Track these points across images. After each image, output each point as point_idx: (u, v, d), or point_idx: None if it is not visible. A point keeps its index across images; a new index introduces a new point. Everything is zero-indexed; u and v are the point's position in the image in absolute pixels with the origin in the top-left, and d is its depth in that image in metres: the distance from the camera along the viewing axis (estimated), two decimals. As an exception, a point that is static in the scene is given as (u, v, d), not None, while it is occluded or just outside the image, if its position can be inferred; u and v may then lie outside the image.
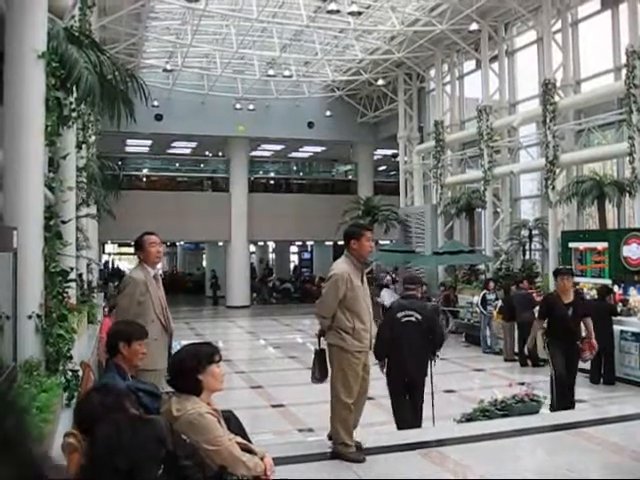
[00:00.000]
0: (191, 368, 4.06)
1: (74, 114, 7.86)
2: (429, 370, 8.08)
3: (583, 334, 9.42)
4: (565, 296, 9.40)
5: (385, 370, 8.02)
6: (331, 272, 6.46)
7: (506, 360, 16.22)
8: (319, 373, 6.73)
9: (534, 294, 17.05)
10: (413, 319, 7.95)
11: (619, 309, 13.98)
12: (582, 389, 12.97)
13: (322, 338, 6.67)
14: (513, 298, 16.35)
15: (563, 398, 9.11)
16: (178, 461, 3.49)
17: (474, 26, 21.59)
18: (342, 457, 6.29)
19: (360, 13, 21.38)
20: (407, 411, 8.06)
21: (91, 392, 3.87)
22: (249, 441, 4.40)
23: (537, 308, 15.97)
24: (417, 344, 7.85)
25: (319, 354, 6.72)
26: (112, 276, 35.78)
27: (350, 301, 6.33)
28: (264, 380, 14.34)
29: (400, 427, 8.02)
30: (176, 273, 50.15)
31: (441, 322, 8.70)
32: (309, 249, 46.42)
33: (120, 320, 5.73)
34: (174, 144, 37.47)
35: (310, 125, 32.16)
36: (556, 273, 9.91)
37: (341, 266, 6.46)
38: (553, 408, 9.02)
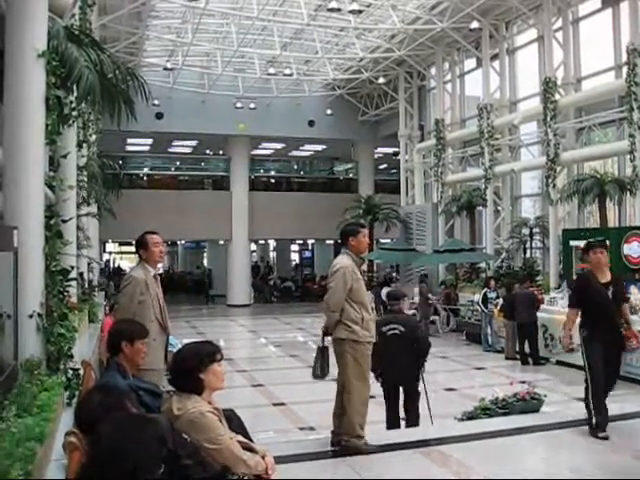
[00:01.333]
0: (193, 367, 4.06)
1: (74, 113, 7.85)
2: (419, 375, 8.58)
3: None
4: (601, 274, 7.51)
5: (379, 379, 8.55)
6: (336, 266, 6.56)
7: (507, 358, 16.19)
8: (320, 370, 6.77)
9: (536, 292, 17.03)
10: (397, 332, 8.54)
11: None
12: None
13: (326, 336, 6.71)
14: (515, 297, 16.27)
15: (600, 408, 7.46)
16: (179, 460, 3.49)
17: (475, 24, 21.56)
18: (355, 450, 6.35)
19: (361, 11, 21.37)
20: (394, 413, 8.66)
21: (91, 392, 3.87)
22: (250, 440, 4.40)
23: (542, 307, 16.16)
24: (402, 354, 8.39)
25: (322, 351, 6.76)
26: (113, 275, 35.74)
27: (356, 292, 6.48)
28: (265, 379, 14.35)
29: (388, 427, 8.58)
30: (173, 272, 50.02)
31: (425, 333, 8.89)
32: (310, 247, 46.43)
33: (121, 319, 5.73)
34: (175, 143, 37.52)
35: (311, 123, 32.15)
36: (588, 247, 7.76)
37: (344, 260, 6.61)
38: (593, 426, 7.27)
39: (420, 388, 8.67)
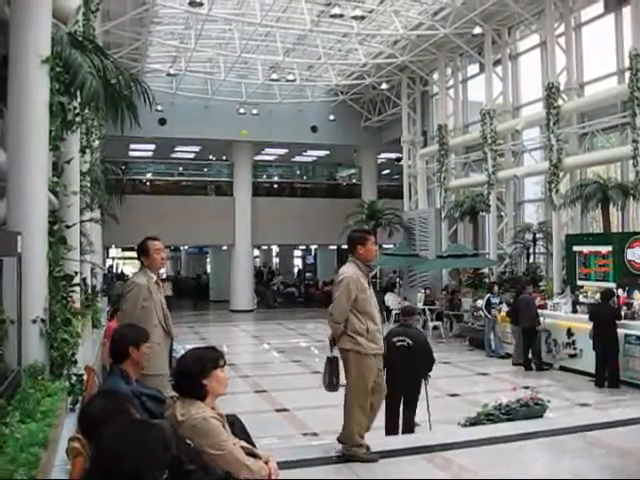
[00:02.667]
0: (195, 373, 4.06)
1: (78, 119, 7.86)
2: (422, 387, 9.08)
3: None
4: None
5: None
6: (341, 276, 6.49)
7: (514, 364, 16.02)
8: (330, 381, 6.70)
9: (538, 298, 16.98)
10: (405, 344, 9.01)
11: (623, 312, 13.94)
12: (586, 393, 12.97)
13: (334, 346, 6.66)
14: (519, 302, 16.14)
15: None
16: (182, 465, 3.49)
17: (477, 30, 21.56)
18: (355, 458, 6.33)
19: (363, 17, 21.40)
20: (393, 421, 8.93)
21: (95, 397, 3.86)
22: (253, 445, 4.40)
23: (545, 312, 16.10)
24: (408, 365, 8.78)
25: (332, 362, 6.72)
26: (117, 280, 35.69)
27: (361, 303, 6.40)
28: (268, 384, 14.33)
29: (387, 433, 8.78)
30: (180, 278, 50.07)
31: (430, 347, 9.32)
32: (313, 253, 46.40)
33: (122, 325, 5.74)
34: (178, 148, 37.57)
35: (313, 129, 32.18)
36: None
37: (350, 270, 6.53)
38: None
39: (422, 395, 8.98)
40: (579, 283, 16.84)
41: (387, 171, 39.14)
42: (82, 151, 10.91)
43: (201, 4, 19.41)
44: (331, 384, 6.71)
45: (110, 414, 3.27)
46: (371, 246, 6.61)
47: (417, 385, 9.02)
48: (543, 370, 15.27)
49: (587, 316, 14.18)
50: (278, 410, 11.88)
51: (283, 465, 4.58)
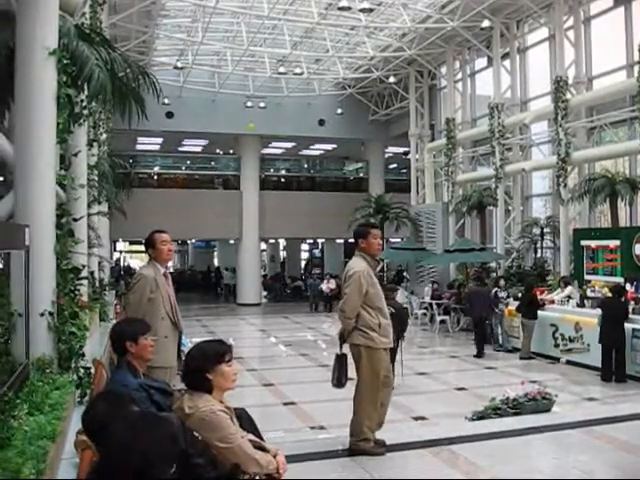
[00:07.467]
0: (200, 367, 4.05)
1: (85, 112, 7.87)
2: (398, 347, 11.34)
3: None
4: None
5: None
6: (351, 271, 6.46)
7: (522, 358, 15.92)
8: (338, 380, 6.68)
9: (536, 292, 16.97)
10: (391, 311, 9.81)
11: (631, 308, 13.87)
12: (593, 387, 12.95)
13: (343, 343, 6.63)
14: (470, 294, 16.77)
15: None
16: (190, 459, 3.48)
17: (486, 23, 21.48)
18: (363, 452, 6.32)
19: (371, 10, 21.31)
20: None
21: (97, 400, 3.83)
22: (261, 439, 4.40)
23: (552, 307, 16.06)
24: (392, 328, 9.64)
25: (341, 359, 6.70)
26: (124, 274, 35.74)
27: (372, 297, 6.40)
28: (275, 378, 14.33)
29: None
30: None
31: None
32: (320, 247, 46.38)
33: (120, 320, 5.74)
34: (185, 142, 37.59)
35: (321, 123, 32.13)
36: None
37: (359, 264, 6.52)
38: None
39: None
40: (587, 278, 16.77)
41: (394, 165, 39.06)
42: (90, 144, 10.93)
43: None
44: (340, 382, 6.69)
45: (112, 417, 3.25)
46: (373, 239, 6.58)
47: (396, 344, 10.39)
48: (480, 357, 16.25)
49: (595, 311, 14.12)
50: (285, 403, 11.88)
51: (291, 458, 4.58)
